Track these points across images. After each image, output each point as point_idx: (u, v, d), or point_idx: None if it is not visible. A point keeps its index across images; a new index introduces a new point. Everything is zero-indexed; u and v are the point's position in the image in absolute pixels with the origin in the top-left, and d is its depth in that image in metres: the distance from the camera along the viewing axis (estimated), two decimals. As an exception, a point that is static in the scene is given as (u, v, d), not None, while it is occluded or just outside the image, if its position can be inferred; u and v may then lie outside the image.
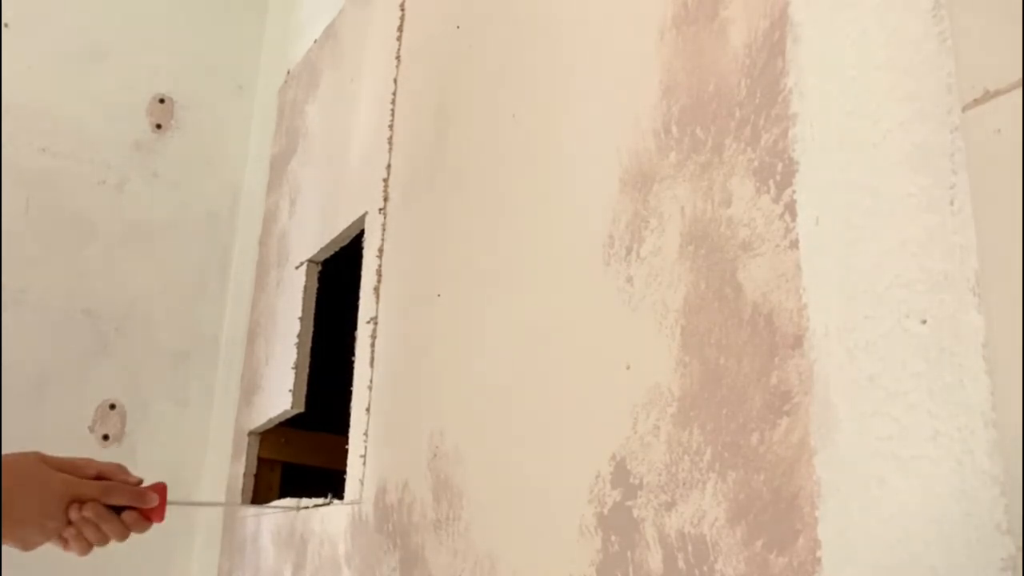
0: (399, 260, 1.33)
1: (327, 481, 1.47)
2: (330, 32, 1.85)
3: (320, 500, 1.42)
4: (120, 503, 0.95)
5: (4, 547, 0.91)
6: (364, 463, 1.30)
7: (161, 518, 0.99)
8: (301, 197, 1.83)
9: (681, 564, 0.73)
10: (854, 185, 0.64)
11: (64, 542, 0.94)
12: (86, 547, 0.94)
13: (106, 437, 2.00)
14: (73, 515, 0.92)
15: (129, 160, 2.16)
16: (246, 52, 2.34)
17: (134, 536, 0.98)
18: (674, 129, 0.83)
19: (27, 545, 0.92)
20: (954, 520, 0.54)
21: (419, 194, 1.31)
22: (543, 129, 1.04)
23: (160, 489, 0.98)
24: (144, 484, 0.99)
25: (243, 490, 1.82)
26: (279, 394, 1.69)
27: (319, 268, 1.72)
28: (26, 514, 0.90)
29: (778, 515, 0.65)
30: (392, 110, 1.44)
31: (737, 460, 0.69)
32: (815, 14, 0.70)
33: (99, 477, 0.96)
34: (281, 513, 1.55)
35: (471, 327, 1.11)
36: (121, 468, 0.98)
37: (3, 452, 0.92)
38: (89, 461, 0.96)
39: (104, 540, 0.95)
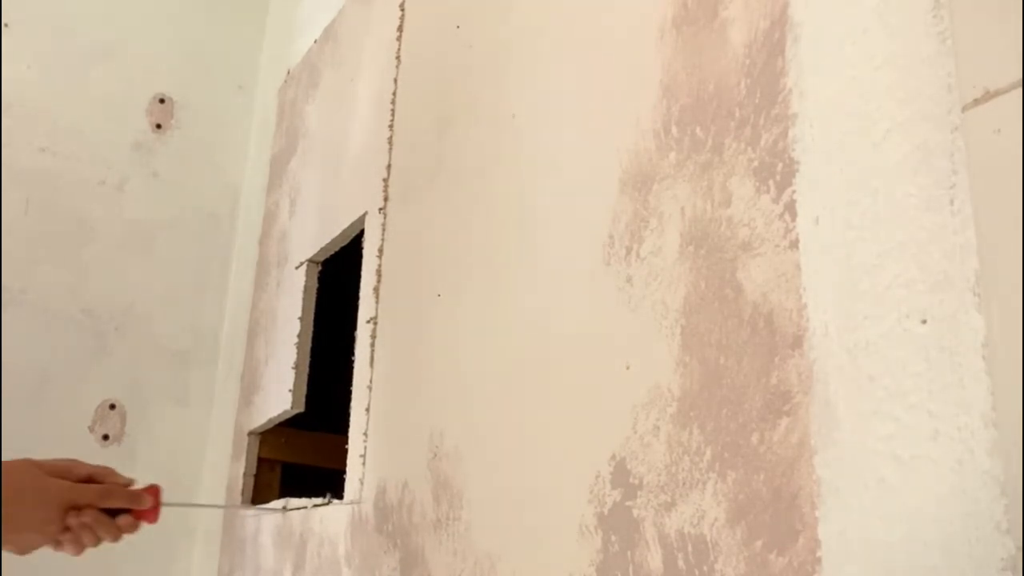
0: (399, 260, 1.33)
1: (327, 481, 1.47)
2: (330, 32, 1.85)
3: (319, 500, 1.42)
4: (116, 506, 0.96)
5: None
6: (364, 463, 1.30)
7: (155, 520, 1.00)
8: (301, 197, 1.83)
9: (681, 564, 0.73)
10: (854, 185, 0.64)
11: (59, 544, 0.95)
12: (80, 549, 0.95)
13: (106, 437, 2.00)
14: (71, 521, 0.93)
15: (129, 160, 2.16)
16: (246, 52, 2.34)
17: (134, 536, 0.99)
18: (674, 129, 0.83)
19: (23, 549, 0.93)
20: (954, 520, 0.54)
21: (419, 194, 1.31)
22: (543, 129, 1.04)
23: (154, 491, 1.00)
24: (137, 486, 1.00)
25: (243, 490, 1.82)
26: (279, 394, 1.69)
27: (319, 268, 1.72)
28: (25, 520, 0.91)
29: (778, 515, 0.65)
30: (392, 110, 1.44)
31: (737, 460, 0.69)
32: (815, 14, 0.70)
33: (89, 479, 0.97)
34: (280, 513, 1.55)
35: (471, 327, 1.11)
36: (111, 471, 0.99)
37: (3, 453, 0.92)
38: (78, 463, 0.97)
39: (98, 542, 0.96)
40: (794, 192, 0.69)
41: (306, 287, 1.70)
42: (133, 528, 0.98)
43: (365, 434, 1.31)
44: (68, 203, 2.08)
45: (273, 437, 1.86)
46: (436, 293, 1.20)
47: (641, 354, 0.81)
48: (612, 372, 0.84)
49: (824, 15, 0.70)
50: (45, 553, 0.97)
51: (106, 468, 0.98)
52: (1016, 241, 0.51)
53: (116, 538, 0.96)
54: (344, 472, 1.35)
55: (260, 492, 1.83)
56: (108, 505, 0.96)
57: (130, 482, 0.99)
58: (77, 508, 0.93)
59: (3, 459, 0.94)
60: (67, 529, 0.93)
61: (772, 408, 0.67)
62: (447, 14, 1.33)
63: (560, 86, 1.02)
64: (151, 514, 0.99)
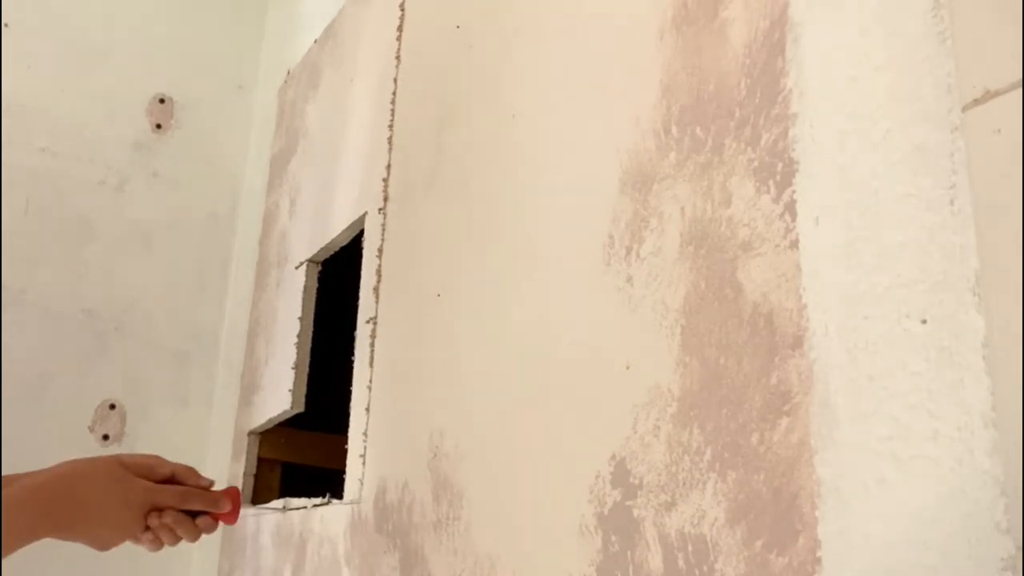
0: (399, 260, 1.33)
1: (327, 481, 1.47)
2: (330, 32, 1.85)
3: (319, 500, 1.42)
4: (196, 508, 0.98)
5: (79, 544, 0.93)
6: (364, 463, 1.30)
7: (234, 521, 1.02)
8: (301, 197, 1.83)
9: (681, 564, 0.73)
10: (854, 185, 0.64)
11: (138, 541, 0.96)
12: (159, 547, 0.97)
13: (106, 437, 2.00)
14: (152, 522, 0.95)
15: (129, 160, 2.16)
16: (246, 52, 2.34)
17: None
18: (674, 129, 0.83)
19: (104, 547, 0.94)
20: (954, 520, 0.54)
21: (419, 194, 1.31)
22: (543, 129, 1.04)
23: (233, 493, 1.01)
24: (216, 488, 1.02)
25: (243, 490, 1.82)
26: (279, 394, 1.69)
27: (319, 268, 1.72)
28: (109, 518, 0.92)
29: (778, 515, 0.65)
30: (392, 110, 1.44)
31: (737, 460, 0.69)
32: (815, 14, 0.70)
33: (172, 478, 0.98)
34: (300, 513, 1.55)
35: (471, 327, 1.11)
36: (192, 471, 1.00)
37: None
38: (162, 461, 0.99)
39: (177, 541, 0.98)
40: (794, 192, 0.69)
41: (306, 287, 1.70)
42: (212, 529, 0.99)
43: (365, 434, 1.31)
44: (68, 203, 2.08)
45: (273, 437, 1.86)
46: (436, 293, 1.20)
47: (641, 354, 0.81)
48: (612, 372, 0.84)
49: (824, 15, 0.70)
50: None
51: (188, 467, 1.00)
52: (1016, 241, 0.51)
53: (195, 538, 0.98)
54: (344, 472, 1.35)
55: (260, 492, 1.83)
56: (188, 507, 0.97)
57: (211, 483, 1.01)
58: (159, 509, 0.95)
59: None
60: (147, 528, 0.95)
61: (772, 408, 0.67)
62: (447, 14, 1.33)
63: (560, 86, 1.02)
64: (230, 516, 1.01)
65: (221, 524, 1.01)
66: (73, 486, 0.91)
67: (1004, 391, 0.52)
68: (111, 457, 0.96)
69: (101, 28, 2.19)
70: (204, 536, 0.99)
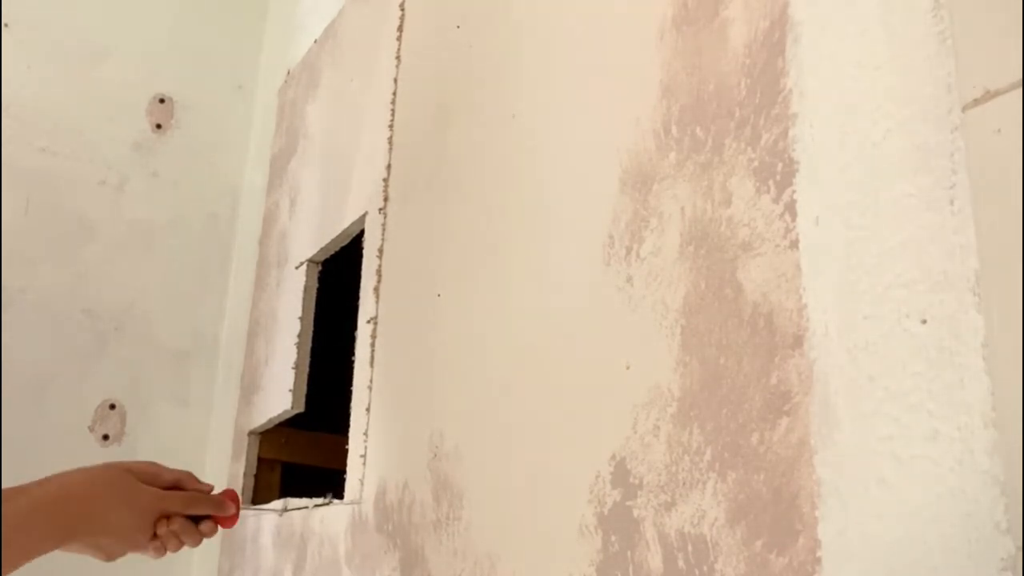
0: (399, 260, 1.33)
1: (327, 481, 1.47)
2: (330, 32, 1.85)
3: (319, 500, 1.42)
4: (201, 513, 0.98)
5: (84, 557, 0.93)
6: (364, 463, 1.30)
7: (233, 524, 1.02)
8: (301, 197, 1.83)
9: (681, 564, 0.73)
10: (854, 185, 0.64)
11: (144, 549, 0.96)
12: (163, 554, 0.97)
13: (106, 437, 2.00)
14: (160, 530, 0.94)
15: (129, 160, 2.16)
16: (246, 52, 2.34)
17: None
18: (674, 129, 0.83)
19: (112, 556, 0.94)
20: (954, 520, 0.54)
21: (419, 194, 1.31)
22: (543, 129, 1.04)
23: (233, 496, 1.01)
24: (215, 491, 1.02)
25: (243, 490, 1.82)
26: (279, 394, 1.69)
27: (319, 268, 1.72)
28: (118, 528, 0.92)
29: (778, 515, 0.65)
30: (392, 110, 1.44)
31: (737, 460, 0.69)
32: (815, 14, 0.70)
33: (175, 484, 0.98)
34: (301, 513, 1.55)
35: (471, 327, 1.11)
36: (192, 476, 1.00)
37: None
38: (161, 468, 0.99)
39: (181, 547, 0.97)
40: (794, 192, 0.69)
41: (306, 287, 1.70)
42: (213, 533, 0.99)
43: (365, 434, 1.31)
44: (68, 203, 2.08)
45: (273, 437, 1.86)
46: (436, 293, 1.20)
47: (641, 354, 0.81)
48: (612, 372, 0.84)
49: (824, 15, 0.70)
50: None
51: (187, 473, 1.00)
52: (1016, 241, 0.51)
53: (197, 543, 0.98)
54: (344, 472, 1.35)
55: (260, 492, 1.83)
56: (194, 512, 0.97)
57: (210, 488, 1.01)
58: (167, 516, 0.95)
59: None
60: (155, 536, 0.95)
61: (772, 408, 0.67)
62: (447, 14, 1.33)
63: (560, 86, 1.02)
64: (231, 520, 1.01)
65: (220, 528, 1.01)
66: (83, 496, 0.90)
67: (1004, 391, 0.52)
68: (117, 465, 0.96)
69: (101, 28, 2.19)
70: (202, 543, 0.99)
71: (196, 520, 0.98)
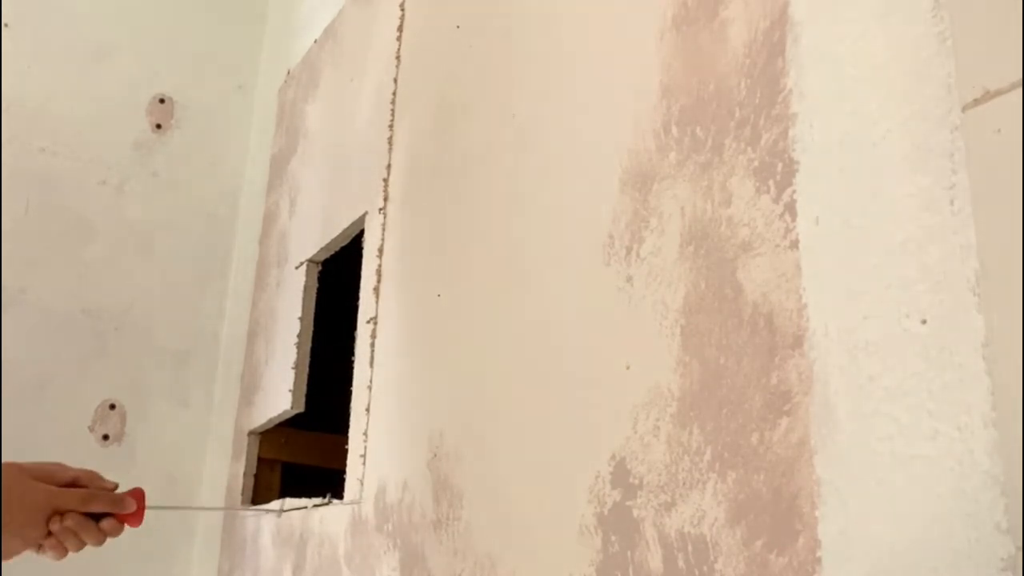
0: (399, 260, 1.33)
1: (327, 481, 1.47)
2: (330, 32, 1.85)
3: (319, 500, 1.42)
4: (99, 510, 0.97)
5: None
6: (364, 463, 1.30)
7: (138, 523, 1.00)
8: (301, 197, 1.83)
9: (681, 564, 0.73)
10: (854, 185, 0.64)
11: (41, 548, 0.95)
12: (63, 554, 0.95)
13: (106, 437, 2.00)
14: (54, 526, 0.93)
15: (129, 160, 2.16)
16: (246, 52, 2.34)
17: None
18: (674, 129, 0.83)
19: (6, 555, 0.92)
20: (954, 520, 0.54)
21: (419, 194, 1.31)
22: (543, 129, 1.04)
23: (137, 495, 1.00)
24: (120, 490, 1.00)
25: (243, 490, 1.82)
26: (279, 394, 1.69)
27: (319, 268, 1.72)
28: (10, 524, 0.91)
29: (778, 515, 0.65)
30: (392, 110, 1.44)
31: (737, 460, 0.69)
32: (815, 14, 0.70)
33: (73, 483, 0.97)
34: (301, 513, 1.55)
35: (471, 327, 1.11)
36: (95, 474, 0.99)
37: (3, 453, 0.93)
38: (63, 467, 0.98)
39: (81, 546, 0.96)
40: (794, 192, 0.69)
41: (306, 287, 1.70)
42: (117, 531, 0.98)
43: (365, 434, 1.31)
44: (68, 203, 2.08)
45: (273, 437, 1.86)
46: (436, 293, 1.20)
47: (641, 354, 0.81)
48: (612, 372, 0.84)
49: (824, 15, 0.70)
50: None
51: (90, 472, 0.99)
52: (1016, 241, 0.51)
53: (100, 542, 0.97)
54: (344, 472, 1.35)
55: (260, 492, 1.83)
56: (91, 509, 0.96)
57: (114, 486, 1.00)
58: (60, 513, 0.93)
59: (3, 459, 0.94)
60: (50, 534, 0.93)
61: (772, 408, 0.67)
62: (447, 14, 1.33)
63: (560, 86, 1.02)
64: (135, 518, 0.99)
65: (127, 527, 0.99)
66: None
67: (1004, 391, 0.52)
68: (9, 463, 0.94)
69: (101, 28, 2.19)
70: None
71: (97, 519, 0.96)
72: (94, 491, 0.97)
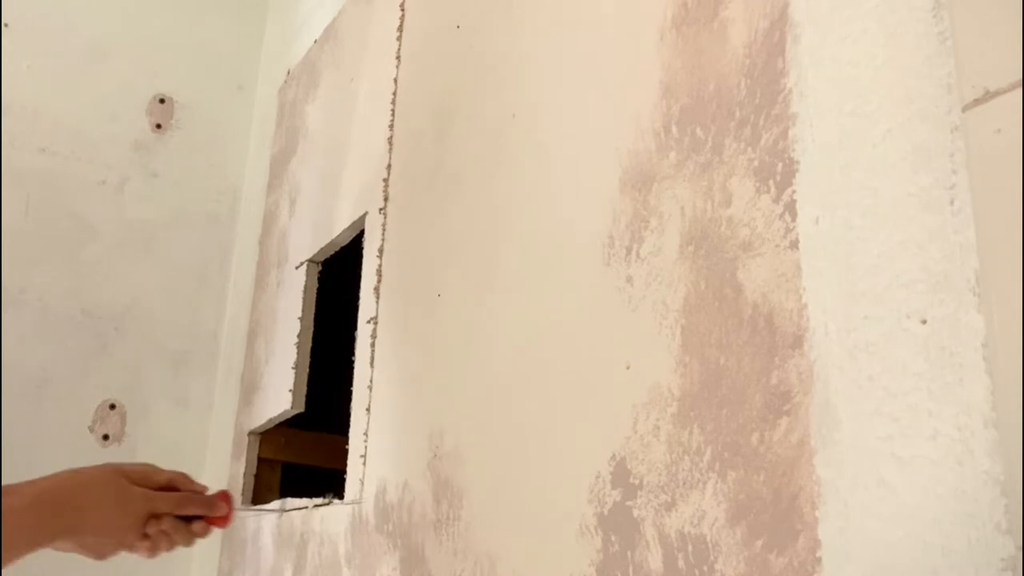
0: (399, 260, 1.33)
1: (327, 481, 1.47)
2: (330, 32, 1.85)
3: (319, 500, 1.42)
4: (192, 513, 0.99)
5: (77, 556, 0.93)
6: (364, 463, 1.30)
7: (227, 525, 1.02)
8: (301, 197, 1.83)
9: (681, 564, 0.73)
10: (854, 185, 0.64)
11: (134, 549, 0.97)
12: (155, 554, 0.98)
13: (106, 437, 2.00)
14: (151, 529, 0.95)
15: (129, 160, 2.16)
16: (246, 52, 2.34)
17: None
18: (674, 129, 0.83)
19: (101, 555, 0.94)
20: (954, 520, 0.54)
21: (419, 194, 1.31)
22: (543, 129, 1.04)
23: (226, 497, 1.02)
24: (209, 492, 1.03)
25: (243, 490, 1.82)
26: (279, 394, 1.69)
27: (319, 268, 1.72)
28: (108, 527, 0.93)
29: (778, 515, 0.65)
30: (392, 110, 1.44)
31: (737, 460, 0.69)
32: (815, 14, 0.70)
33: (168, 485, 0.99)
34: (301, 513, 1.55)
35: (471, 327, 1.11)
36: (186, 477, 1.01)
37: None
38: (157, 469, 0.99)
39: (173, 547, 0.98)
40: (794, 192, 0.69)
41: (306, 287, 1.70)
42: (206, 533, 1.00)
43: (365, 434, 1.31)
44: (68, 203, 2.08)
45: (273, 437, 1.86)
46: (436, 293, 1.20)
47: (641, 354, 0.81)
48: (612, 372, 0.84)
49: (824, 15, 0.70)
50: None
51: (182, 474, 1.01)
52: (1016, 241, 0.51)
53: (190, 543, 0.99)
54: (344, 472, 1.35)
55: (260, 492, 1.83)
56: (185, 512, 0.98)
57: (204, 488, 1.02)
58: (156, 516, 0.96)
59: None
60: (145, 536, 0.95)
61: (772, 408, 0.67)
62: (447, 14, 1.33)
63: (560, 86, 1.02)
64: (224, 519, 1.02)
65: (214, 528, 1.01)
66: (74, 495, 0.91)
67: (1004, 391, 0.52)
68: (110, 466, 0.96)
69: (101, 28, 2.19)
70: (202, 543, 1.00)
71: (188, 520, 0.98)
72: (188, 494, 0.99)
